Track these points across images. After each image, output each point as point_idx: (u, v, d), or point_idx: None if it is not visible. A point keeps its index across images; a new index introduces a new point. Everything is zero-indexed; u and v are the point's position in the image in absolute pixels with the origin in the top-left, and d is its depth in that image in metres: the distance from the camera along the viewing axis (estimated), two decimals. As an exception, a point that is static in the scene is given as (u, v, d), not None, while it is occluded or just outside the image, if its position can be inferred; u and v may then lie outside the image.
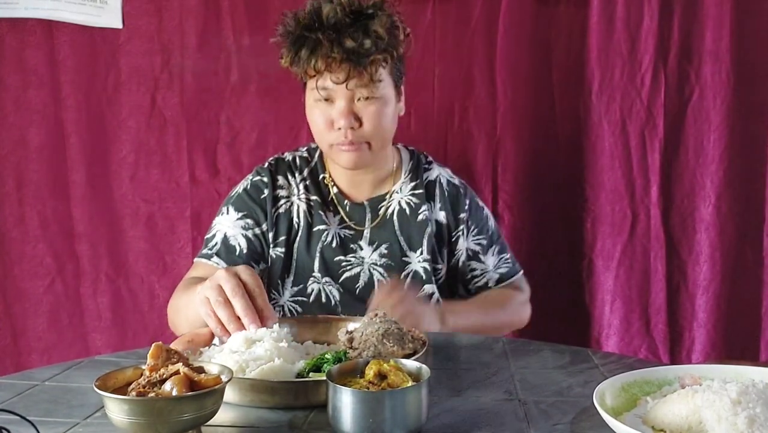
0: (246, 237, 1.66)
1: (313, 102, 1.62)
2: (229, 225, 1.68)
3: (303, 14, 1.57)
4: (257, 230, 1.68)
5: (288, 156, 1.77)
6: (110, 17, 2.08)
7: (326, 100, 1.60)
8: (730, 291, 2.05)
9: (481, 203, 1.82)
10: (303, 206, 1.70)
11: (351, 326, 1.27)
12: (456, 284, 1.77)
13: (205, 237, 1.71)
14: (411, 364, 1.00)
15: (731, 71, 1.99)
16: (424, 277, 1.69)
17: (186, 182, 2.13)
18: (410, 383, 0.95)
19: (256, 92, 2.12)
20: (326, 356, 1.13)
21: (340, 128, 1.59)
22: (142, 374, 0.94)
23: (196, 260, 1.69)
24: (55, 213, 2.16)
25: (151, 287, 2.17)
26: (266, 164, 1.75)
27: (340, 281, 1.67)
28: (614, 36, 2.02)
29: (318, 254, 1.68)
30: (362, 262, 1.69)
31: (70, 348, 2.19)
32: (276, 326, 1.20)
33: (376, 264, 1.69)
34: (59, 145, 2.13)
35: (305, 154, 1.77)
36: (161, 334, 2.14)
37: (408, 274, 1.69)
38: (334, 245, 1.69)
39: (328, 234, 1.69)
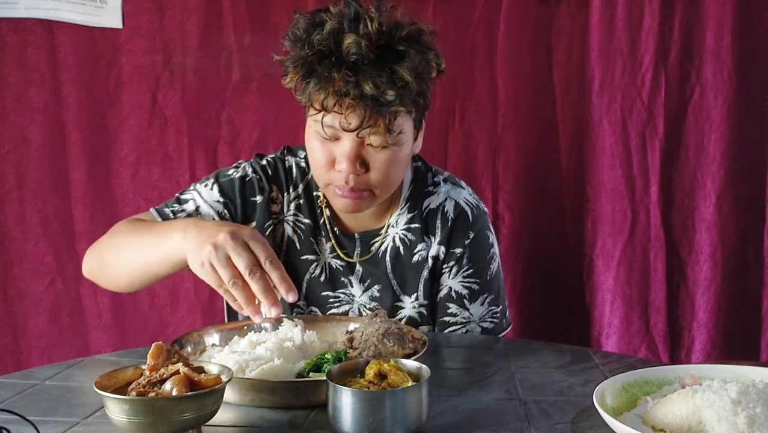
0: None
1: (314, 132, 1.38)
2: (207, 201, 1.49)
3: (319, 37, 1.29)
4: None
5: (288, 161, 1.56)
6: (110, 17, 2.08)
7: (330, 138, 1.36)
8: (731, 291, 2.05)
9: (491, 239, 1.54)
10: (289, 230, 1.52)
11: (351, 326, 1.27)
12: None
13: (177, 195, 1.53)
14: (411, 364, 1.00)
15: (732, 71, 1.99)
16: (419, 320, 1.50)
17: (187, 181, 2.13)
18: (410, 383, 0.95)
19: (257, 91, 2.11)
20: (326, 356, 1.13)
21: (341, 171, 1.36)
22: (142, 374, 0.94)
23: (152, 210, 1.50)
24: (56, 212, 2.16)
25: (152, 287, 2.16)
26: (264, 163, 1.54)
27: (327, 315, 1.51)
28: (615, 35, 2.02)
29: (304, 285, 1.52)
30: (352, 300, 1.52)
31: (70, 347, 2.19)
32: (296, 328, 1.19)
33: (366, 306, 1.51)
34: (60, 143, 2.13)
35: (303, 163, 1.54)
36: (161, 333, 2.14)
37: (401, 320, 1.47)
38: (322, 278, 1.52)
39: (316, 266, 1.52)
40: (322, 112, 1.32)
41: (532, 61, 2.08)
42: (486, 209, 1.58)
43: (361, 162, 1.35)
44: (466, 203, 1.53)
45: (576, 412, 1.02)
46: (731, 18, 1.97)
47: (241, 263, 1.12)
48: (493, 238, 1.56)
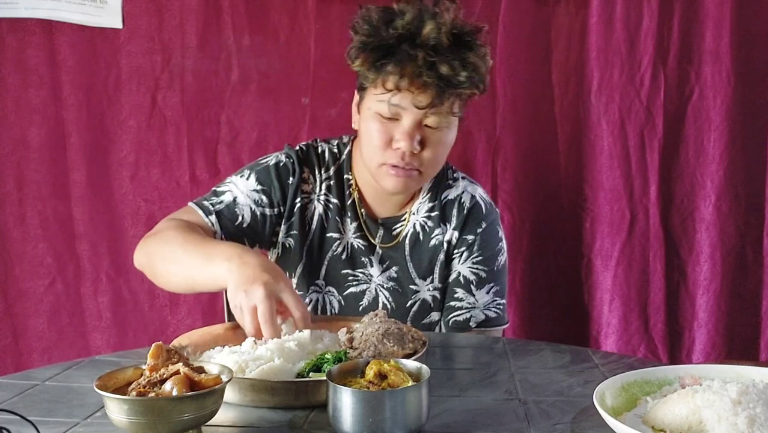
0: (253, 212, 1.57)
1: (373, 114, 1.49)
2: (243, 191, 1.57)
3: (402, 22, 1.43)
4: (268, 211, 1.58)
5: (320, 147, 1.65)
6: (110, 17, 2.08)
7: (390, 117, 1.47)
8: (731, 291, 2.05)
9: (501, 235, 1.66)
10: (320, 208, 1.61)
11: (351, 326, 1.27)
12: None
13: (214, 188, 1.61)
14: (411, 364, 1.00)
15: (731, 71, 1.99)
16: (432, 305, 1.61)
17: (186, 182, 2.13)
18: (410, 383, 0.95)
19: (257, 92, 2.12)
20: (326, 356, 1.13)
21: (398, 149, 1.47)
22: (142, 374, 0.94)
23: (191, 204, 1.58)
24: (56, 213, 2.16)
25: (152, 287, 2.16)
26: (297, 148, 1.64)
27: (344, 294, 1.61)
28: (614, 36, 2.02)
29: (326, 263, 1.61)
30: (370, 280, 1.61)
31: (70, 348, 2.19)
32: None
33: (383, 286, 1.60)
34: (60, 144, 2.13)
35: (335, 150, 1.65)
36: (161, 334, 2.14)
37: (415, 302, 1.60)
38: (343, 256, 1.61)
39: (339, 244, 1.61)
40: (392, 92, 1.44)
41: (530, 61, 2.08)
42: (498, 210, 1.71)
43: (418, 140, 1.47)
44: (481, 198, 1.65)
45: (576, 412, 1.03)
46: (730, 18, 1.97)
47: (261, 315, 1.21)
48: (502, 234, 1.67)
